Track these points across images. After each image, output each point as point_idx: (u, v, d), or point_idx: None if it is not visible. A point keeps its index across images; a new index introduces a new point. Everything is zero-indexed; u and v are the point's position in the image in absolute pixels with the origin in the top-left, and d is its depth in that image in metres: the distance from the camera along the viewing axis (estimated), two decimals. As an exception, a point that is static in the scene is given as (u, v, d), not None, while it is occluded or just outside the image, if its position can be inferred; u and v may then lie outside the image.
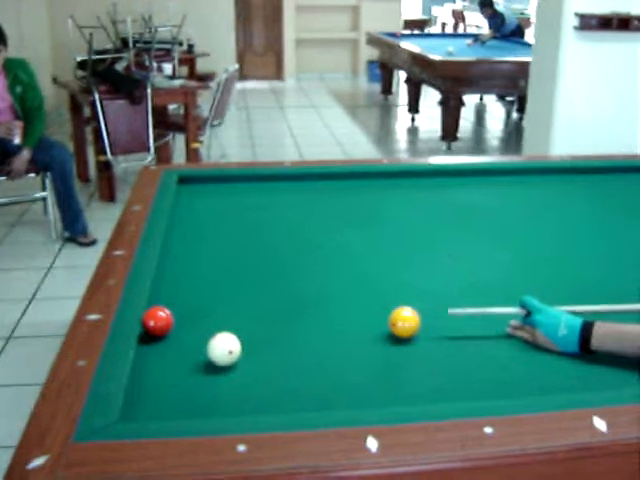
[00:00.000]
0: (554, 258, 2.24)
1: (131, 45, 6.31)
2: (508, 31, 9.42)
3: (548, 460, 1.23)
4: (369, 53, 11.72)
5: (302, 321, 1.80)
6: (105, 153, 5.53)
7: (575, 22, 4.86)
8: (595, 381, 1.50)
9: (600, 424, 1.26)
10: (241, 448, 1.20)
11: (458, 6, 16.77)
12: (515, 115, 9.51)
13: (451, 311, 1.71)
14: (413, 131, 8.88)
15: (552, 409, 1.32)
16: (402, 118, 9.55)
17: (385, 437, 1.22)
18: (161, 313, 1.68)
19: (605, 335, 1.56)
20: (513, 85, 7.32)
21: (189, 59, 8.79)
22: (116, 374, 1.43)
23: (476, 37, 9.61)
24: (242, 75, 10.81)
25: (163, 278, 1.98)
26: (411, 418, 1.28)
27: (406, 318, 1.67)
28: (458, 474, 1.21)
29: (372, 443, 1.21)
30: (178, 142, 6.61)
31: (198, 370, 1.54)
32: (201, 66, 9.03)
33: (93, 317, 1.66)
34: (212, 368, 1.53)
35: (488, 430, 1.24)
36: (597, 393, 1.42)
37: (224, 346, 1.53)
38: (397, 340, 1.68)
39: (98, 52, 6.06)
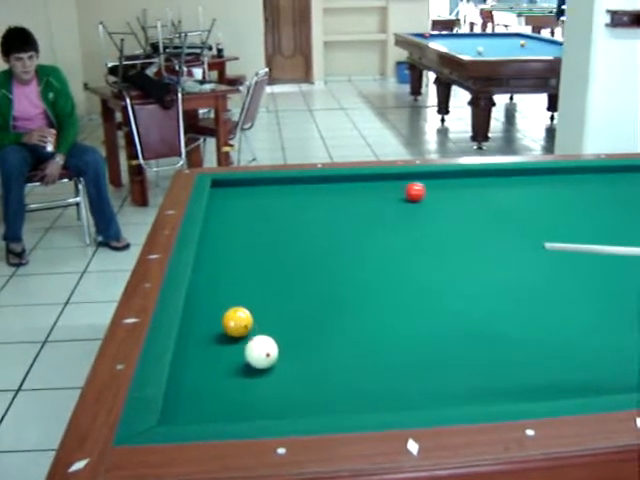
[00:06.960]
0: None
1: (161, 50, 6.33)
2: None
3: (590, 463, 1.21)
4: (398, 54, 11.67)
5: (338, 323, 1.79)
6: (137, 158, 5.57)
7: (607, 19, 4.80)
8: (637, 382, 1.48)
9: (644, 426, 1.24)
10: (281, 451, 1.19)
11: (487, 5, 16.71)
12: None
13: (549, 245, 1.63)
14: (443, 132, 8.83)
15: (594, 411, 1.30)
16: (432, 119, 9.50)
17: (426, 440, 1.21)
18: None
19: None
20: (544, 84, 7.26)
21: (219, 63, 8.82)
22: (155, 378, 1.43)
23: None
24: (271, 79, 10.82)
25: (199, 281, 1.99)
26: (452, 420, 1.27)
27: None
28: (500, 477, 1.20)
29: (413, 446, 1.20)
30: (209, 146, 6.63)
31: (236, 373, 1.54)
32: (231, 70, 9.05)
33: (130, 321, 1.66)
34: (250, 371, 1.53)
35: (530, 432, 1.23)
36: (640, 394, 1.39)
37: (261, 349, 1.53)
38: (435, 341, 1.67)
39: (128, 58, 6.08)
